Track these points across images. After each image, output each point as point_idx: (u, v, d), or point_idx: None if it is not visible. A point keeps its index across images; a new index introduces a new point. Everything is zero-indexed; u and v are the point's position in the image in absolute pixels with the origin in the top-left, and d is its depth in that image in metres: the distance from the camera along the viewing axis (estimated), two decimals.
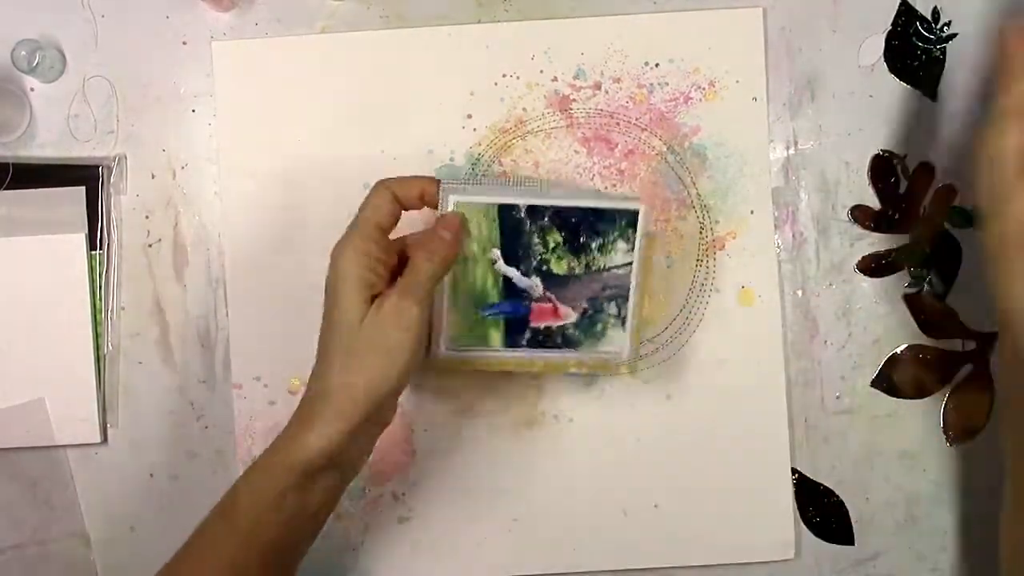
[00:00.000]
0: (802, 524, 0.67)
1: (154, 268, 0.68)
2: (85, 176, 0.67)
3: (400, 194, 0.57)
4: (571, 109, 0.67)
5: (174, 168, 0.68)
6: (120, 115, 0.68)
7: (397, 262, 0.58)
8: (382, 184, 0.58)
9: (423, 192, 0.58)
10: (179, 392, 0.68)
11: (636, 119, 0.67)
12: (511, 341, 0.61)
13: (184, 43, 0.68)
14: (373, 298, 0.54)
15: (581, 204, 0.60)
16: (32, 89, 0.67)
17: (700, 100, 0.67)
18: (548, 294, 0.61)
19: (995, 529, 0.67)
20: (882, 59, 0.68)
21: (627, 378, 0.67)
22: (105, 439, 0.67)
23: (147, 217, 0.68)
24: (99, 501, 0.68)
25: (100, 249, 0.67)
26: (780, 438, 0.67)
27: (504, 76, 0.67)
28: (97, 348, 0.67)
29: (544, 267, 0.60)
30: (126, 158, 0.67)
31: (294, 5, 0.68)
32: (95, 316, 0.67)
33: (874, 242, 0.68)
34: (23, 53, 0.64)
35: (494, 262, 0.60)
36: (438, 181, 0.59)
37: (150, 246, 0.68)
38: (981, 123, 0.66)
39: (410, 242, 0.59)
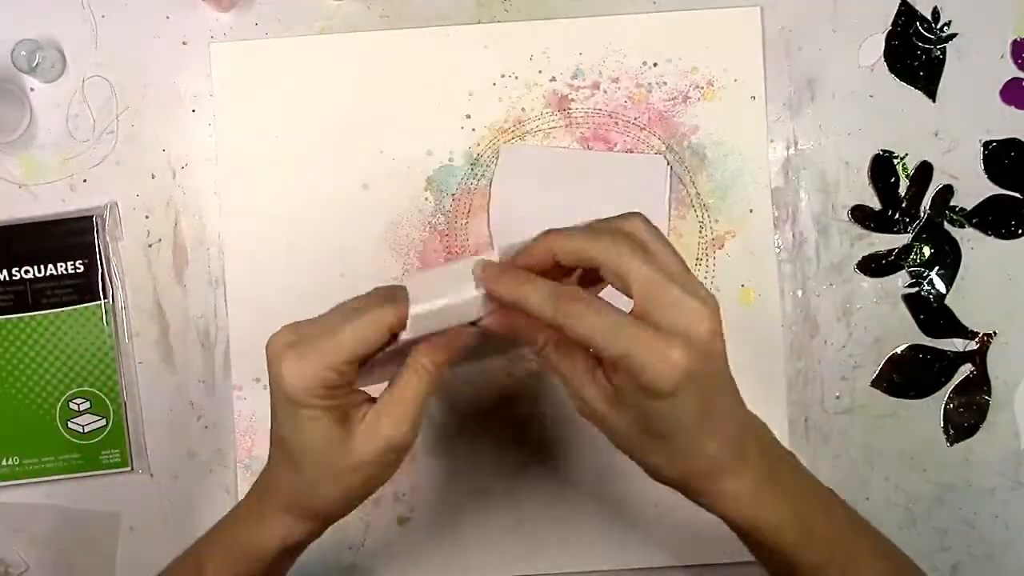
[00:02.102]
0: None
1: (154, 268, 0.68)
2: (80, 228, 0.67)
3: (398, 319, 0.46)
4: (570, 109, 0.67)
5: (174, 168, 0.68)
6: (120, 115, 0.68)
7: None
8: (379, 306, 0.46)
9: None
10: (179, 392, 0.68)
11: (635, 119, 0.67)
12: None
13: (184, 43, 0.68)
14: (344, 414, 0.47)
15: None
16: (32, 89, 0.68)
17: (698, 99, 0.67)
18: None
19: (995, 529, 0.67)
20: (882, 59, 0.68)
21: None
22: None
23: (147, 217, 0.68)
24: (99, 501, 0.68)
25: (105, 298, 0.67)
26: (780, 438, 0.66)
27: (503, 76, 0.67)
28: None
29: None
30: (117, 205, 0.68)
31: (294, 5, 0.68)
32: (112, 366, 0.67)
33: (874, 242, 0.68)
34: (23, 53, 0.64)
35: None
36: (470, 332, 0.48)
37: (150, 246, 0.68)
38: (981, 123, 0.66)
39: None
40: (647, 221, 0.46)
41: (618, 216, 0.47)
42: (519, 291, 0.44)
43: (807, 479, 0.51)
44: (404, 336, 0.46)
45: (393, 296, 0.46)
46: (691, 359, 0.42)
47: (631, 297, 0.44)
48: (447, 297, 0.46)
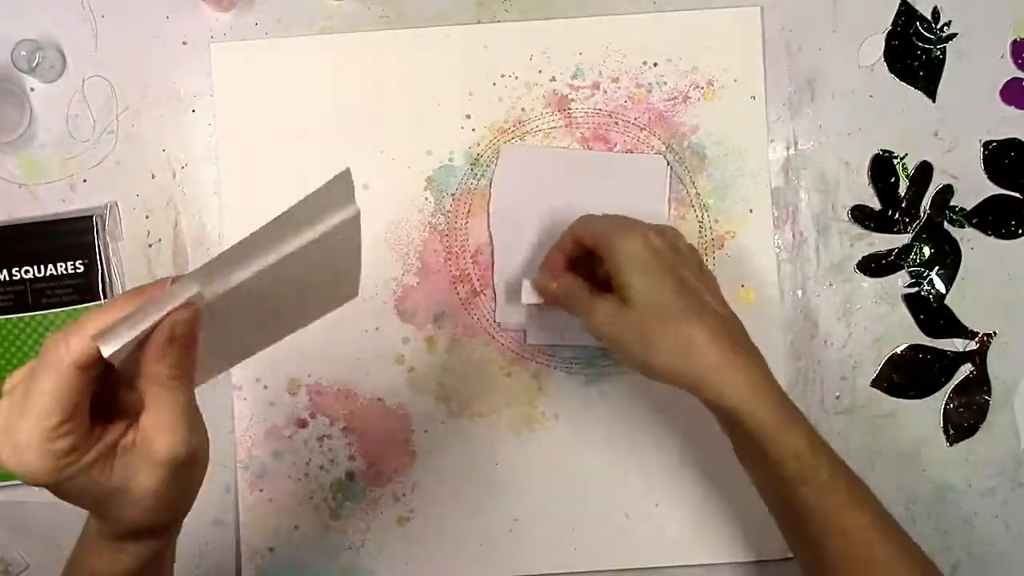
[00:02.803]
0: None
1: (154, 268, 0.68)
2: (80, 228, 0.67)
3: (84, 355, 0.40)
4: (570, 109, 0.67)
5: (174, 168, 0.68)
6: (120, 115, 0.68)
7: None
8: (54, 350, 0.40)
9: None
10: None
11: (635, 118, 0.67)
12: None
13: (184, 43, 0.68)
14: (107, 456, 0.43)
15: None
16: (32, 89, 0.68)
17: (698, 99, 0.67)
18: None
19: (995, 529, 0.67)
20: (882, 59, 0.68)
21: (627, 378, 0.67)
22: None
23: (147, 217, 0.68)
24: None
25: (105, 298, 0.67)
26: None
27: (503, 76, 0.67)
28: None
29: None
30: (117, 205, 0.68)
31: (294, 5, 0.68)
32: None
33: (874, 242, 0.68)
34: (23, 53, 0.64)
35: None
36: (193, 308, 0.42)
37: (150, 246, 0.68)
38: (981, 123, 0.66)
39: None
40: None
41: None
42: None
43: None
44: (111, 358, 0.40)
45: (68, 339, 0.41)
46: (655, 244, 0.56)
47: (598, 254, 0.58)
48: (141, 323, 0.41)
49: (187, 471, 0.44)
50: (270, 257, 0.45)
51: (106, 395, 0.44)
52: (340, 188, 0.46)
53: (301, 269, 0.47)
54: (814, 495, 0.53)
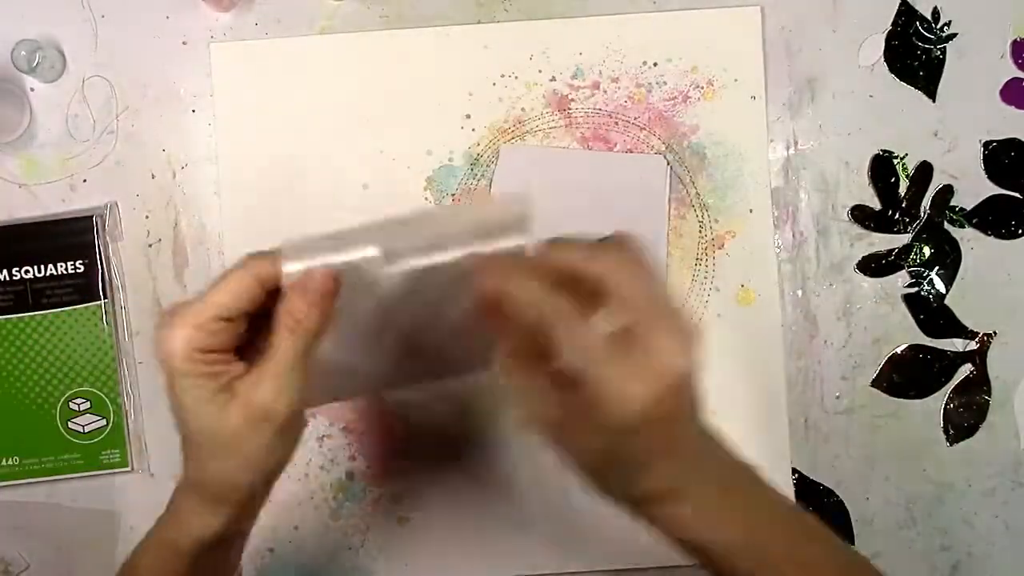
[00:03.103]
0: None
1: (154, 268, 0.68)
2: (80, 228, 0.67)
3: (266, 274, 0.45)
4: (570, 109, 0.67)
5: (174, 168, 0.68)
6: (120, 115, 0.68)
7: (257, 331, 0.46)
8: (246, 264, 0.45)
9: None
10: None
11: (635, 118, 0.67)
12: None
13: (184, 43, 0.68)
14: (224, 385, 0.45)
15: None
16: (32, 89, 0.68)
17: (699, 99, 0.67)
18: None
19: (995, 529, 0.67)
20: (882, 59, 0.68)
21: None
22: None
23: (147, 217, 0.68)
24: (99, 501, 0.68)
25: (105, 298, 0.67)
26: (780, 438, 0.67)
27: (503, 76, 0.67)
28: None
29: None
30: (117, 205, 0.68)
31: (294, 5, 0.68)
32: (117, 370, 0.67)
33: (874, 242, 0.68)
34: (23, 53, 0.65)
35: None
36: (332, 273, 0.45)
37: (150, 246, 0.68)
38: (981, 123, 0.66)
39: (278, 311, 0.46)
40: (642, 247, 0.46)
41: (617, 235, 0.47)
42: (508, 280, 0.43)
43: (762, 494, 0.50)
44: (286, 277, 0.44)
45: (259, 253, 0.46)
46: (655, 398, 0.42)
47: (620, 317, 0.43)
48: (325, 255, 0.45)
49: (272, 430, 0.45)
50: (435, 258, 0.45)
51: (249, 344, 0.46)
52: (518, 212, 0.46)
53: (452, 292, 0.46)
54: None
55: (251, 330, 0.47)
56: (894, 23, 0.68)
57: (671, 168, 0.67)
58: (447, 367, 0.52)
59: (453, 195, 0.67)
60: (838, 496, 0.67)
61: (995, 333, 0.68)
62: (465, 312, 0.47)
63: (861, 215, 0.68)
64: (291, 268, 0.44)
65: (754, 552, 0.48)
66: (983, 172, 0.68)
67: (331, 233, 0.45)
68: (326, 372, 0.47)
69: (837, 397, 0.68)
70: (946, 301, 0.68)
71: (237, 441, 0.45)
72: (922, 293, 0.68)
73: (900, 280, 0.68)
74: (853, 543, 0.67)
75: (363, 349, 0.49)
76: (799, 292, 0.68)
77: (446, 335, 0.49)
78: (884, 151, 0.68)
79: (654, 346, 0.42)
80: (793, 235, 0.68)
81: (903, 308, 0.68)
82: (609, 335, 0.42)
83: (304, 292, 0.44)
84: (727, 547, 0.47)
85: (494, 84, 0.67)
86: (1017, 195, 0.68)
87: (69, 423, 0.67)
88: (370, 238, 0.45)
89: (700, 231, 0.67)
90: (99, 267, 0.67)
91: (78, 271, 0.67)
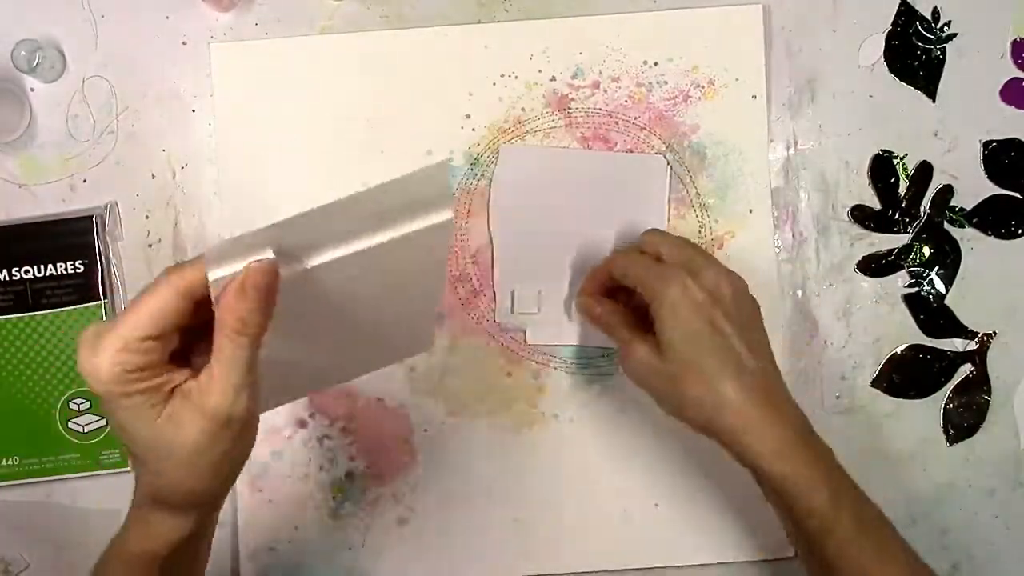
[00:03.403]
0: None
1: (154, 268, 0.68)
2: (80, 228, 0.67)
3: (192, 282, 0.43)
4: (570, 108, 0.67)
5: (174, 168, 0.68)
6: (120, 115, 0.68)
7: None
8: (168, 276, 0.44)
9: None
10: None
11: (635, 118, 0.67)
12: None
13: (184, 43, 0.68)
14: (166, 395, 0.43)
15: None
16: (32, 89, 0.67)
17: (699, 99, 0.67)
18: None
19: (995, 529, 0.67)
20: (882, 59, 0.68)
21: (627, 378, 0.67)
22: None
23: (147, 217, 0.68)
24: (99, 501, 0.68)
25: (105, 298, 0.67)
26: None
27: (503, 76, 0.67)
28: None
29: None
30: (117, 205, 0.68)
31: (294, 5, 0.68)
32: None
33: (874, 242, 0.68)
34: (23, 53, 0.64)
35: None
36: (268, 267, 0.43)
37: (150, 246, 0.68)
38: (981, 123, 0.66)
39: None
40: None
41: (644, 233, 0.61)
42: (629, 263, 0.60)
43: (828, 448, 0.58)
44: (212, 284, 0.42)
45: (185, 265, 0.44)
46: (694, 295, 0.55)
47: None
48: (248, 255, 0.42)
49: (231, 435, 0.44)
50: (362, 243, 0.44)
51: (188, 345, 0.45)
52: (435, 184, 0.45)
53: (384, 275, 0.46)
54: (837, 550, 0.53)
55: (187, 332, 0.45)
56: (894, 23, 0.68)
57: (671, 168, 0.67)
58: (393, 352, 0.52)
59: (453, 195, 0.67)
60: None
61: (995, 333, 0.68)
62: (405, 293, 0.47)
63: (861, 215, 0.68)
64: (216, 275, 0.42)
65: (833, 492, 0.54)
66: (983, 172, 0.68)
67: (252, 232, 0.43)
68: (272, 374, 0.46)
69: (837, 397, 0.68)
70: (946, 301, 0.68)
71: (197, 452, 0.44)
72: (922, 293, 0.68)
73: (900, 280, 0.68)
74: None
75: (305, 345, 0.48)
76: (799, 292, 0.68)
77: (389, 320, 0.49)
78: (884, 151, 0.68)
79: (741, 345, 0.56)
80: (793, 235, 0.68)
81: (903, 308, 0.68)
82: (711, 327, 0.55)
83: (243, 291, 0.42)
84: (808, 484, 0.54)
85: (494, 84, 0.67)
86: (1017, 195, 0.68)
87: (69, 423, 0.67)
88: (294, 232, 0.43)
89: (700, 231, 0.67)
90: (99, 267, 0.67)
91: (78, 271, 0.67)
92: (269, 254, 0.42)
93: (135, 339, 0.42)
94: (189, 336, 0.45)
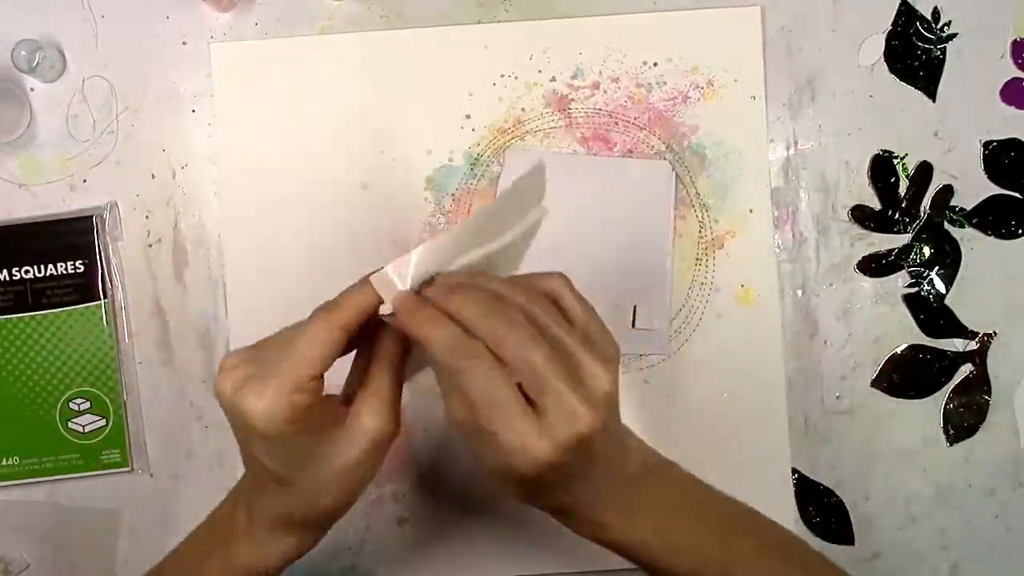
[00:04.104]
0: (802, 524, 0.67)
1: (154, 268, 0.68)
2: (80, 228, 0.67)
3: (345, 321, 0.45)
4: (570, 109, 0.67)
5: (174, 168, 0.68)
6: (120, 115, 0.68)
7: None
8: (321, 317, 0.45)
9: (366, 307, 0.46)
10: (179, 392, 0.68)
11: (635, 118, 0.67)
12: None
13: (184, 43, 0.68)
14: (321, 423, 0.46)
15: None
16: (32, 89, 0.68)
17: (699, 99, 0.67)
18: None
19: (995, 529, 0.67)
20: (882, 59, 0.68)
21: (627, 377, 0.67)
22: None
23: (147, 217, 0.68)
24: (99, 501, 0.68)
25: (105, 298, 0.67)
26: (780, 438, 0.67)
27: (503, 76, 0.67)
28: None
29: None
30: (117, 205, 0.68)
31: (294, 5, 0.68)
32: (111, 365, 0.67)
33: (874, 242, 0.68)
34: (23, 53, 0.65)
35: None
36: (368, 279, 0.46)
37: (150, 246, 0.68)
38: (981, 123, 0.66)
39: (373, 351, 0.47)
40: (566, 284, 0.48)
41: (540, 275, 0.48)
42: (424, 331, 0.44)
43: (675, 490, 0.51)
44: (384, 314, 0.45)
45: (327, 303, 0.46)
46: (554, 457, 0.43)
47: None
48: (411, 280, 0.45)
49: (384, 453, 0.47)
50: (477, 252, 0.47)
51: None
52: (536, 184, 0.49)
53: (504, 266, 0.50)
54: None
55: None
56: (894, 23, 0.68)
57: (674, 172, 0.67)
58: None
59: (453, 195, 0.67)
60: (838, 496, 0.67)
61: (995, 333, 0.68)
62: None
63: (861, 215, 0.68)
64: (385, 310, 0.45)
65: (665, 544, 0.49)
66: (983, 172, 0.68)
67: (416, 255, 0.45)
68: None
69: (837, 397, 0.68)
70: (946, 301, 0.68)
71: (353, 471, 0.46)
72: (922, 293, 0.68)
73: (900, 280, 0.68)
74: (853, 543, 0.67)
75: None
76: (799, 292, 0.68)
77: None
78: (884, 151, 0.68)
79: (549, 409, 0.43)
80: (793, 235, 0.68)
81: (903, 308, 0.68)
82: (511, 391, 0.43)
83: (395, 334, 0.46)
84: (640, 544, 0.50)
85: (494, 84, 0.67)
86: (1017, 195, 0.68)
87: (69, 423, 0.67)
88: (435, 255, 0.46)
89: (700, 231, 0.67)
90: (99, 267, 0.67)
91: (78, 271, 0.67)
92: (408, 284, 0.45)
93: (306, 378, 0.43)
94: None
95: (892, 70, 0.68)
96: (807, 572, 0.52)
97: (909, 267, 0.68)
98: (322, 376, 0.44)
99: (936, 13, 0.68)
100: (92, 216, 0.67)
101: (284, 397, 0.43)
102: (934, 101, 0.68)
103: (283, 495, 0.47)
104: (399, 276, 0.45)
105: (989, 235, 0.68)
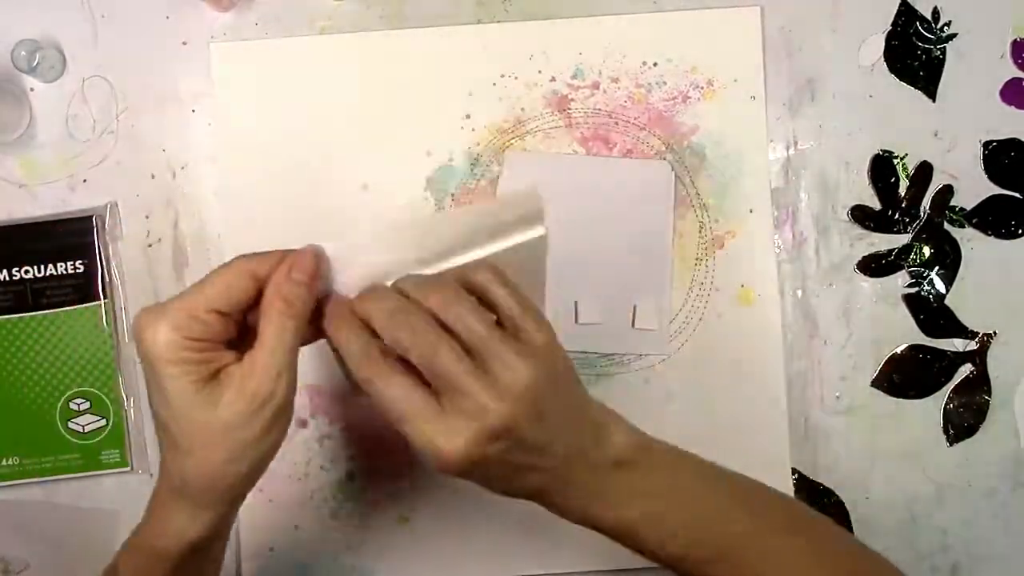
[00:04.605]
0: None
1: (154, 268, 0.68)
2: (80, 228, 0.67)
3: (259, 270, 0.46)
4: (569, 109, 0.67)
5: (174, 168, 0.68)
6: (120, 115, 0.68)
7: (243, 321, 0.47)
8: (239, 260, 0.47)
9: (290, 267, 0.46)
10: None
11: (634, 118, 0.67)
12: None
13: (184, 43, 0.68)
14: (212, 373, 0.45)
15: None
16: (32, 89, 0.67)
17: (698, 99, 0.67)
18: None
19: (995, 529, 0.67)
20: (882, 59, 0.68)
21: (627, 377, 0.67)
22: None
23: (147, 217, 0.68)
24: (99, 501, 0.68)
25: (105, 298, 0.67)
26: (780, 438, 0.67)
27: (502, 76, 0.67)
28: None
29: None
30: (117, 205, 0.68)
31: (294, 5, 0.68)
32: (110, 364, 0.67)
33: (874, 242, 0.68)
34: (23, 53, 0.65)
35: None
36: (314, 250, 0.47)
37: (150, 246, 0.68)
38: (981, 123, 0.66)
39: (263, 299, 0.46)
40: (494, 275, 0.47)
41: (468, 269, 0.48)
42: (339, 335, 0.46)
43: (665, 475, 0.51)
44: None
45: (254, 254, 0.47)
46: (468, 454, 0.44)
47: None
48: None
49: (266, 420, 0.45)
50: (463, 258, 0.47)
51: (241, 331, 0.47)
52: (532, 205, 0.49)
53: None
54: (760, 553, 0.50)
55: (242, 329, 0.47)
56: (894, 23, 0.68)
57: (674, 172, 0.67)
58: None
59: (453, 195, 0.67)
60: (838, 496, 0.67)
61: (995, 333, 0.68)
62: None
63: (861, 215, 0.68)
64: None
65: (657, 527, 0.49)
66: (983, 172, 0.68)
67: (351, 242, 0.47)
68: None
69: (837, 397, 0.68)
70: (946, 301, 0.68)
71: (231, 430, 0.45)
72: (922, 293, 0.68)
73: (900, 280, 0.68)
74: None
75: None
76: (799, 292, 0.68)
77: None
78: (884, 151, 0.68)
79: (456, 406, 0.44)
80: (793, 235, 0.68)
81: (903, 308, 0.68)
82: (419, 393, 0.44)
83: (289, 272, 0.45)
84: (630, 526, 0.49)
85: (494, 84, 0.67)
86: (1017, 195, 0.68)
87: (69, 423, 0.67)
88: (388, 246, 0.47)
89: (700, 231, 0.67)
90: (99, 267, 0.67)
91: (78, 271, 0.67)
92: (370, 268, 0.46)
93: (202, 308, 0.44)
94: (243, 332, 0.47)
95: (892, 70, 0.68)
96: (812, 543, 0.51)
97: (909, 267, 0.68)
98: (222, 315, 0.45)
99: (936, 13, 0.68)
100: (92, 216, 0.67)
101: (175, 317, 0.44)
102: (934, 101, 0.68)
103: (177, 455, 0.46)
104: (340, 260, 0.46)
105: (989, 235, 0.68)
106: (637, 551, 0.51)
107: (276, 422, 0.46)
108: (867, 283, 0.68)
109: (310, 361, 0.67)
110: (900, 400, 0.68)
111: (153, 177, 0.68)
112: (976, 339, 0.68)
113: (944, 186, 0.68)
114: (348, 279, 0.48)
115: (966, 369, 0.68)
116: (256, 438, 0.45)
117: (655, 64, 0.67)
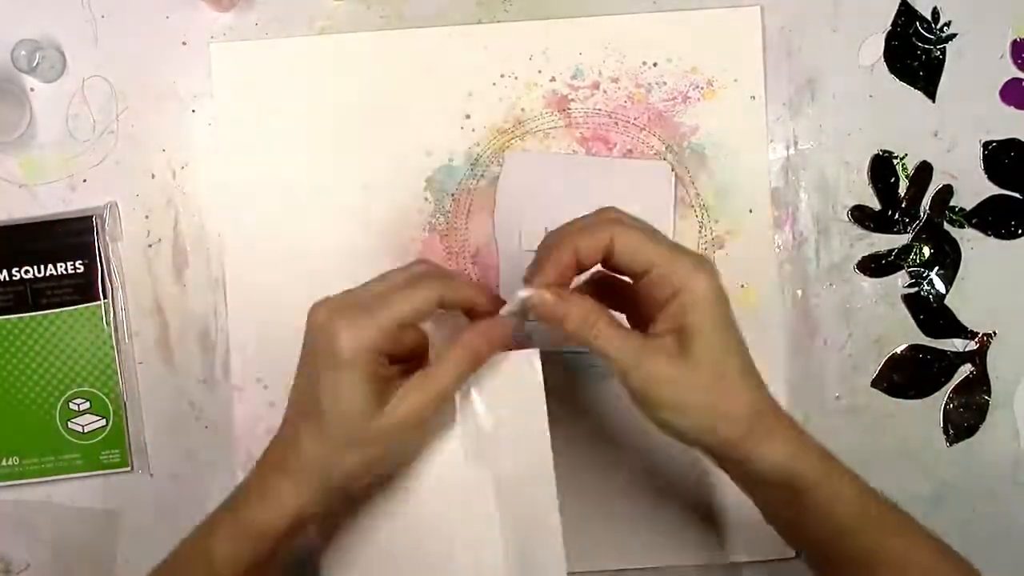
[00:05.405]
0: None
1: (154, 268, 0.68)
2: (80, 228, 0.67)
3: (447, 299, 0.49)
4: (569, 109, 0.67)
5: (174, 168, 0.68)
6: (120, 115, 0.68)
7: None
8: (433, 280, 0.49)
9: (474, 305, 0.52)
10: (179, 392, 0.68)
11: (634, 119, 0.67)
12: None
13: (184, 43, 0.68)
14: (385, 381, 0.48)
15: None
16: (32, 89, 0.68)
17: (698, 99, 0.67)
18: None
19: (995, 529, 0.67)
20: (882, 59, 0.68)
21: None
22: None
23: (147, 217, 0.68)
24: (99, 501, 0.68)
25: (105, 298, 0.67)
26: None
27: (502, 76, 0.67)
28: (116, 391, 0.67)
29: None
30: (117, 205, 0.68)
31: (294, 5, 0.68)
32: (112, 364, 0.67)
33: (874, 242, 0.68)
34: (23, 53, 0.65)
35: None
36: (499, 301, 0.52)
37: (150, 246, 0.68)
38: (981, 123, 0.66)
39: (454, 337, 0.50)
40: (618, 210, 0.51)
41: (600, 211, 0.51)
42: (563, 308, 0.49)
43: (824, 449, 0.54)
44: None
45: (439, 270, 0.51)
46: (712, 288, 0.48)
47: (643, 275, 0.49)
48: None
49: (413, 436, 0.50)
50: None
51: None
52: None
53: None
54: (874, 540, 0.52)
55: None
56: (894, 23, 0.68)
57: (674, 173, 0.67)
58: None
59: (453, 195, 0.67)
60: None
61: (995, 333, 0.68)
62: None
63: (861, 215, 0.68)
64: (509, 308, 0.51)
65: (834, 490, 0.52)
66: (983, 172, 0.68)
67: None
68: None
69: (837, 397, 0.68)
70: (946, 301, 0.68)
71: (381, 438, 0.48)
72: (922, 293, 0.68)
73: (900, 280, 0.68)
74: None
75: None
76: (799, 292, 0.68)
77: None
78: (884, 151, 0.68)
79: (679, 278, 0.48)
80: (793, 235, 0.68)
81: (903, 308, 0.68)
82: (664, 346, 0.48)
83: (490, 336, 0.50)
84: (814, 481, 0.51)
85: (494, 84, 0.67)
86: (1017, 195, 0.68)
87: (69, 423, 0.67)
88: None
89: (700, 231, 0.67)
90: (99, 267, 0.67)
91: (78, 271, 0.67)
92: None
93: (395, 324, 0.47)
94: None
95: (892, 70, 0.68)
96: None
97: (909, 267, 0.68)
98: (404, 331, 0.49)
99: (936, 13, 0.68)
100: (92, 216, 0.67)
101: (371, 332, 0.47)
102: (934, 101, 0.68)
103: (316, 442, 0.48)
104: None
105: (989, 235, 0.68)
106: (790, 506, 0.52)
107: (419, 441, 0.52)
108: (867, 283, 0.68)
109: None
110: (900, 400, 0.68)
111: (153, 177, 0.68)
112: (976, 339, 0.68)
113: (944, 186, 0.68)
114: None
115: (966, 369, 0.68)
116: (398, 453, 0.50)
117: (655, 64, 0.67)
